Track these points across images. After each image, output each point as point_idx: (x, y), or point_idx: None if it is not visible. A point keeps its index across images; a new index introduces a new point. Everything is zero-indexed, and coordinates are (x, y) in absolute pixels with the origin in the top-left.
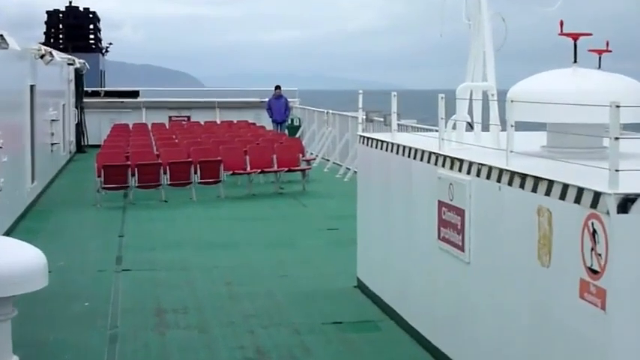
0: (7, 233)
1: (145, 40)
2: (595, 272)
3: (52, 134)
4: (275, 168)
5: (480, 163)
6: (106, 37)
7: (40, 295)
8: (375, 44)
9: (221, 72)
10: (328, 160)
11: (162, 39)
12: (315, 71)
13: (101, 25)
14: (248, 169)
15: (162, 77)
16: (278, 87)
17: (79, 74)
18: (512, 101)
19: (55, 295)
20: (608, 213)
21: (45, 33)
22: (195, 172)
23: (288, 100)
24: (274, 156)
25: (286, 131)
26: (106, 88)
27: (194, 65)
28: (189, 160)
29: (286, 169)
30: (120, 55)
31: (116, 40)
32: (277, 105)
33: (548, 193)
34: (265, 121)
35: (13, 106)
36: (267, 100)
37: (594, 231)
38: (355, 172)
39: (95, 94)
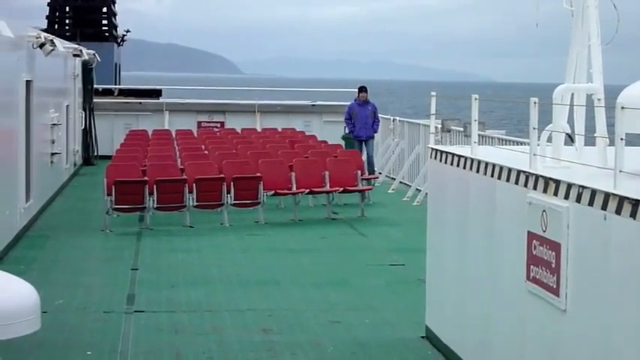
0: None
1: (170, 12)
2: None
3: (53, 142)
4: (327, 188)
5: (580, 186)
6: (122, 9)
7: (31, 341)
8: (456, 24)
9: (261, 55)
10: (394, 179)
11: (192, 12)
12: (379, 57)
13: (117, 8)
14: (294, 188)
15: (190, 60)
16: (363, 89)
17: (87, 68)
18: (622, 108)
19: (50, 342)
20: None
21: (47, 17)
22: (229, 192)
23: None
24: (327, 173)
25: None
26: (120, 86)
27: (229, 46)
28: (221, 176)
29: (341, 189)
30: (139, 31)
31: (135, 12)
32: (362, 114)
33: None
34: (319, 129)
35: (3, 106)
36: (347, 105)
37: None
38: (427, 194)
39: (107, 92)
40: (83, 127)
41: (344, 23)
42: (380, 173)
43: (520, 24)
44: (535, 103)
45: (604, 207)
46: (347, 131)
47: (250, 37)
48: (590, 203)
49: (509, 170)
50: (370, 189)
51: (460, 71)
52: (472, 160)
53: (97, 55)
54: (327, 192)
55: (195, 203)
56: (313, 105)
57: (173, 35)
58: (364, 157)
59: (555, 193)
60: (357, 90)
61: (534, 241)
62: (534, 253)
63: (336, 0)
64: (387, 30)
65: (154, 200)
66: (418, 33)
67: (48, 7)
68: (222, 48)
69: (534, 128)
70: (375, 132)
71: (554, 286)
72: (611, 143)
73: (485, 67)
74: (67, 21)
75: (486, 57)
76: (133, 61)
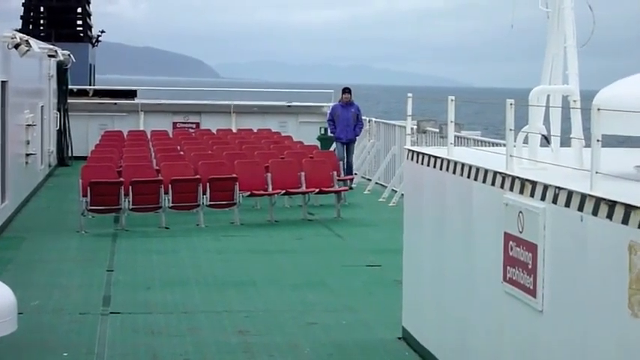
0: None
1: (147, 16)
2: None
3: (28, 143)
4: (303, 189)
5: (557, 187)
6: (99, 12)
7: (7, 342)
8: (434, 30)
9: (240, 59)
10: (369, 180)
11: (170, 15)
12: (358, 61)
13: (92, 8)
14: (270, 189)
15: (167, 64)
16: (347, 90)
17: (62, 69)
18: (599, 109)
19: (26, 344)
20: None
21: (22, 17)
22: (204, 193)
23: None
24: (303, 174)
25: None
26: (95, 87)
27: (207, 50)
28: (197, 177)
29: (317, 190)
30: (116, 35)
31: (112, 16)
32: (345, 115)
33: None
34: (294, 129)
35: None
36: (329, 106)
37: None
38: (403, 195)
39: (82, 93)
40: (58, 127)
41: (323, 28)
42: (355, 174)
43: (500, 30)
44: (511, 104)
45: (580, 208)
46: (322, 132)
47: (229, 41)
48: (567, 204)
49: (486, 171)
50: (346, 190)
51: (438, 76)
52: (449, 161)
53: (71, 55)
54: (303, 193)
55: (171, 204)
56: (289, 106)
57: (150, 39)
58: (344, 161)
59: (532, 195)
60: (333, 91)
61: (511, 242)
62: (511, 254)
63: (317, 4)
64: (366, 35)
65: (129, 201)
66: (397, 38)
67: (22, 7)
68: (200, 52)
69: (510, 129)
70: (357, 135)
71: (531, 287)
72: (587, 145)
73: (464, 73)
74: (42, 21)
75: (465, 62)
76: (109, 64)
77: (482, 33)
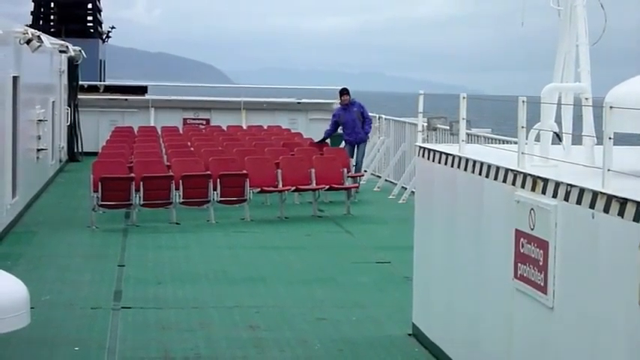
0: None
1: (161, 22)
2: None
3: (39, 138)
4: (313, 185)
5: (569, 184)
6: (113, 17)
7: (18, 337)
8: (445, 38)
9: (253, 65)
10: (379, 177)
11: (183, 22)
12: (370, 68)
13: (102, 4)
14: (280, 186)
15: (180, 69)
16: (344, 91)
17: (73, 64)
18: (611, 107)
19: (37, 338)
20: None
21: (32, 13)
22: (215, 189)
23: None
24: (313, 170)
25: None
26: (106, 82)
27: (220, 56)
28: (208, 173)
29: (327, 186)
30: (129, 39)
31: (126, 21)
32: (348, 117)
33: None
34: (304, 126)
35: None
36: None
37: None
38: (413, 192)
39: (93, 89)
40: (69, 123)
41: (335, 34)
42: (365, 171)
43: (511, 38)
44: (523, 101)
45: (592, 206)
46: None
47: (242, 47)
48: (579, 202)
49: (498, 168)
50: (356, 187)
51: (450, 84)
52: (460, 158)
53: (82, 51)
54: (313, 189)
55: (182, 200)
56: (299, 102)
57: (163, 44)
58: (353, 161)
59: (543, 192)
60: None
61: (522, 239)
62: (522, 251)
63: (328, 11)
64: (378, 41)
65: (140, 197)
66: (409, 45)
67: (32, 3)
68: (213, 58)
69: (522, 127)
70: (367, 133)
71: (542, 284)
72: (599, 142)
73: (475, 80)
74: (52, 17)
75: (477, 71)
76: (121, 69)
77: (494, 41)
